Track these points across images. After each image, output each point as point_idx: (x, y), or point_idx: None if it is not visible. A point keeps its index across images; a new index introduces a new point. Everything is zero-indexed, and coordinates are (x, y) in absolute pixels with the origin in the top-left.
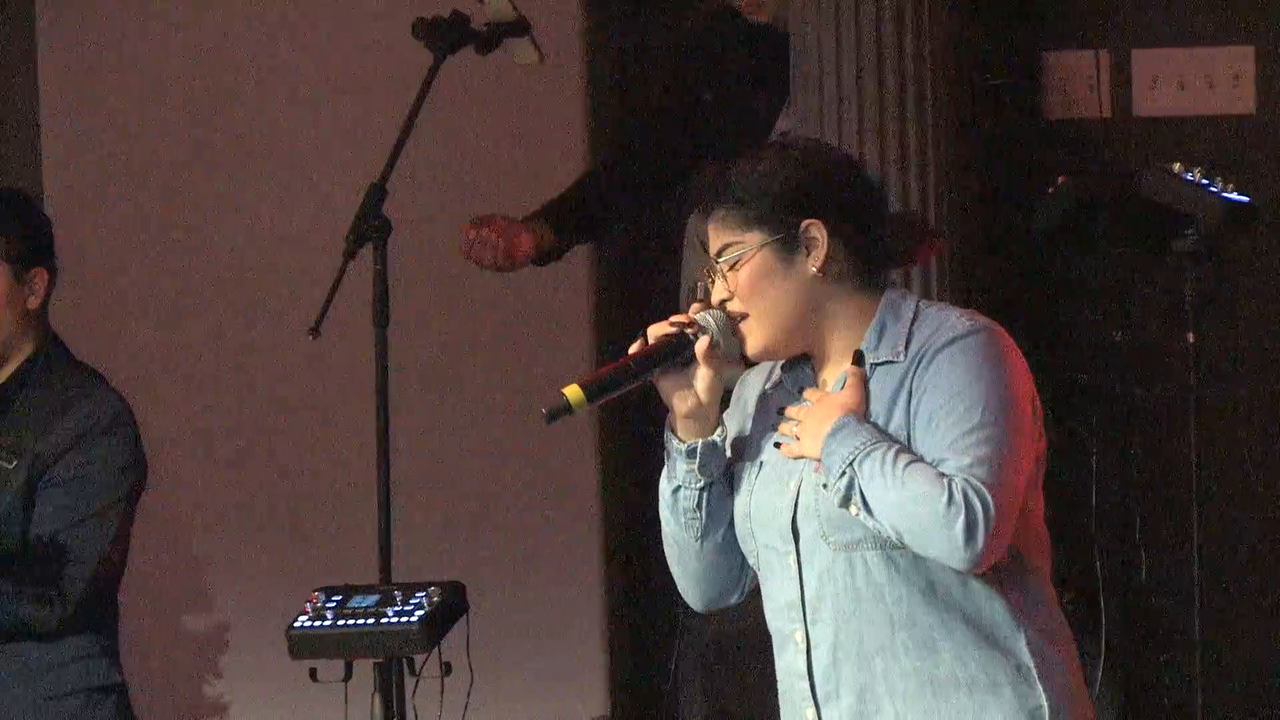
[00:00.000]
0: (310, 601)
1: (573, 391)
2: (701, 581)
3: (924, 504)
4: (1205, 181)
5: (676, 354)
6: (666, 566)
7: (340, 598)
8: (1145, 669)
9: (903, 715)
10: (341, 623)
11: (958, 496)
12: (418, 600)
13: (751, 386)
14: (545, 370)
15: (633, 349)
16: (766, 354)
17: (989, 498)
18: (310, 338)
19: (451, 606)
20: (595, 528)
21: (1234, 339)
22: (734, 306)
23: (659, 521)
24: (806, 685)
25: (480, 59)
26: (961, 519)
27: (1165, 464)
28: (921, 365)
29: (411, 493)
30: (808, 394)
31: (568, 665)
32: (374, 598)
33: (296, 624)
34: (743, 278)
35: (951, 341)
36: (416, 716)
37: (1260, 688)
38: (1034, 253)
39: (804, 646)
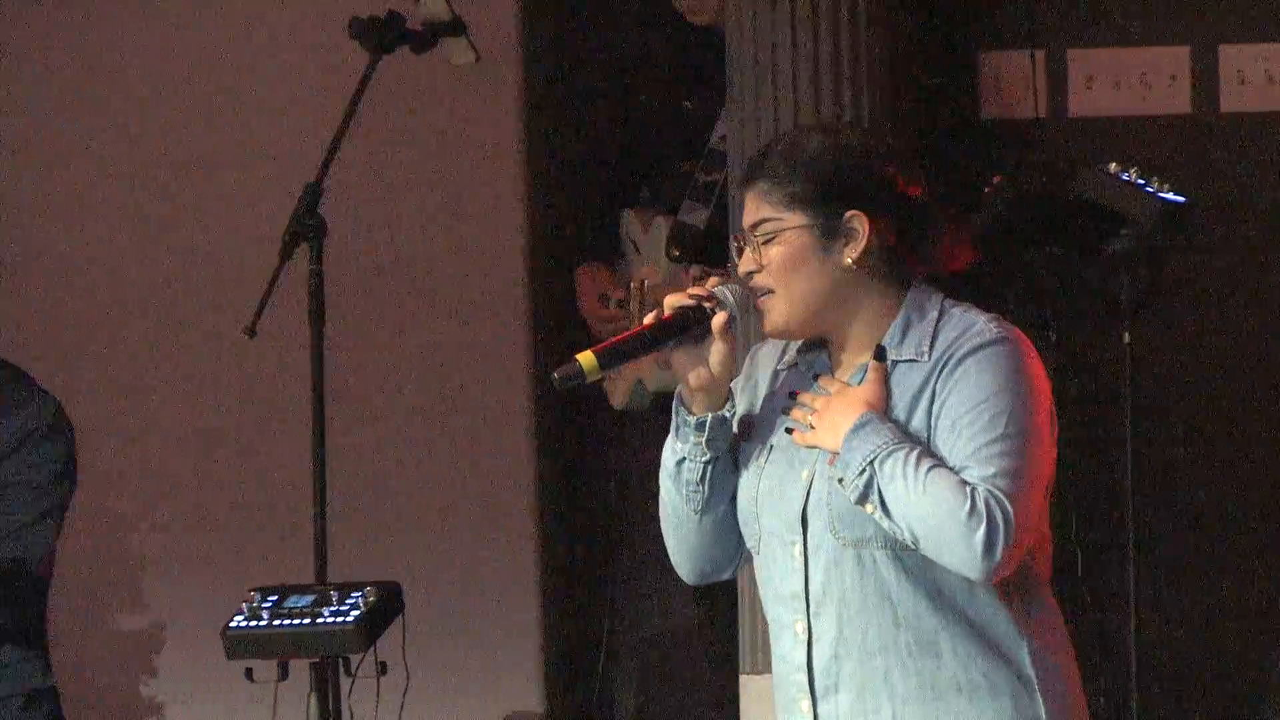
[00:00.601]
0: (246, 601)
1: (586, 358)
2: (696, 555)
3: (945, 510)
4: (1141, 181)
5: (692, 327)
6: (601, 565)
7: (276, 598)
8: (1080, 668)
9: (900, 716)
10: (277, 623)
11: (980, 506)
12: (353, 600)
13: (764, 362)
14: (481, 370)
15: (648, 319)
16: (784, 333)
17: (1010, 510)
18: (246, 337)
19: (387, 606)
20: (531, 528)
21: (1169, 339)
22: (761, 279)
23: (593, 521)
24: (804, 677)
25: (416, 59)
26: (982, 529)
27: (1101, 463)
28: (947, 369)
29: (347, 493)
30: (824, 382)
31: (503, 664)
32: (310, 598)
33: (232, 624)
34: (776, 255)
35: (979, 348)
36: (352, 716)
37: (1195, 686)
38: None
39: (805, 638)
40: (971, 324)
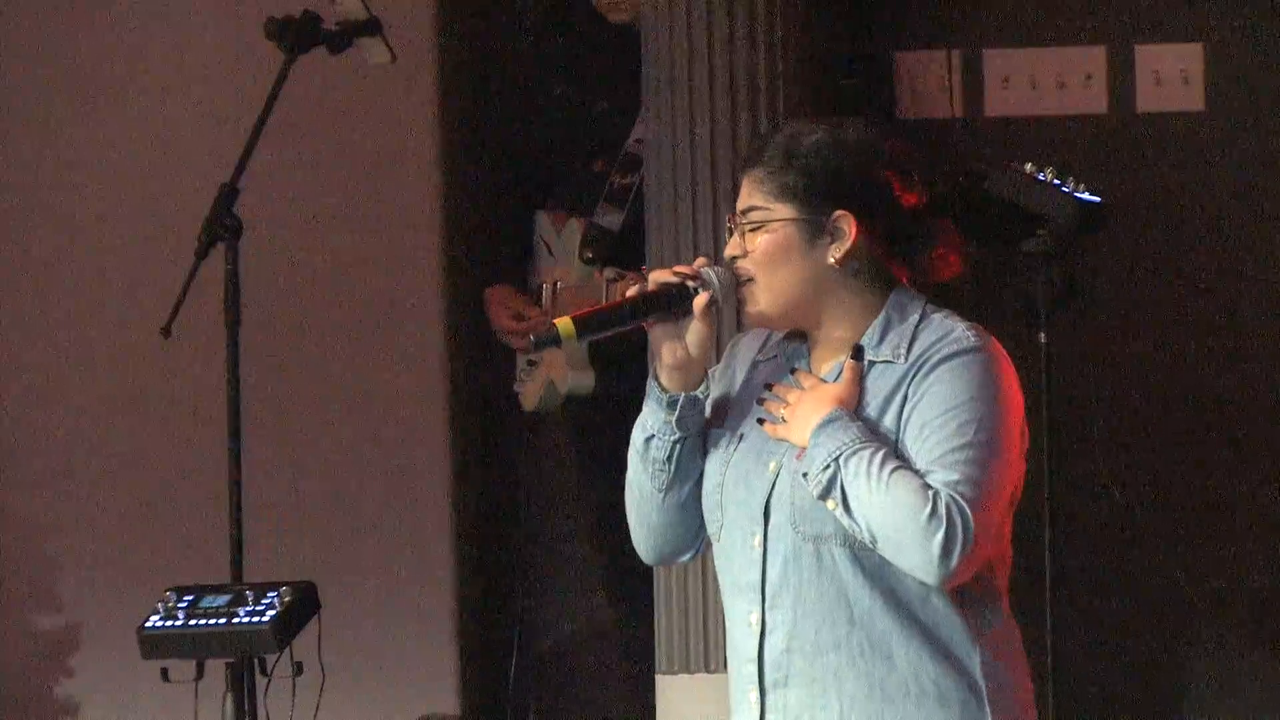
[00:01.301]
0: (162, 601)
1: (564, 323)
2: (657, 534)
3: (905, 512)
4: (1057, 181)
5: (674, 304)
6: (516, 566)
7: (192, 597)
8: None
9: (847, 714)
10: (193, 623)
11: (940, 510)
12: (269, 600)
13: (744, 352)
14: (397, 371)
15: (631, 291)
16: (763, 321)
17: (970, 516)
18: (162, 337)
19: (303, 606)
20: (446, 528)
21: (1085, 339)
22: (744, 266)
23: (508, 522)
24: (754, 669)
25: (332, 59)
26: (941, 533)
27: None
28: (921, 372)
29: (263, 492)
30: (800, 376)
31: (419, 664)
32: (225, 597)
33: (148, 624)
34: (760, 244)
35: (956, 354)
36: (268, 716)
37: (1112, 690)
38: None
39: (758, 630)
40: (950, 330)
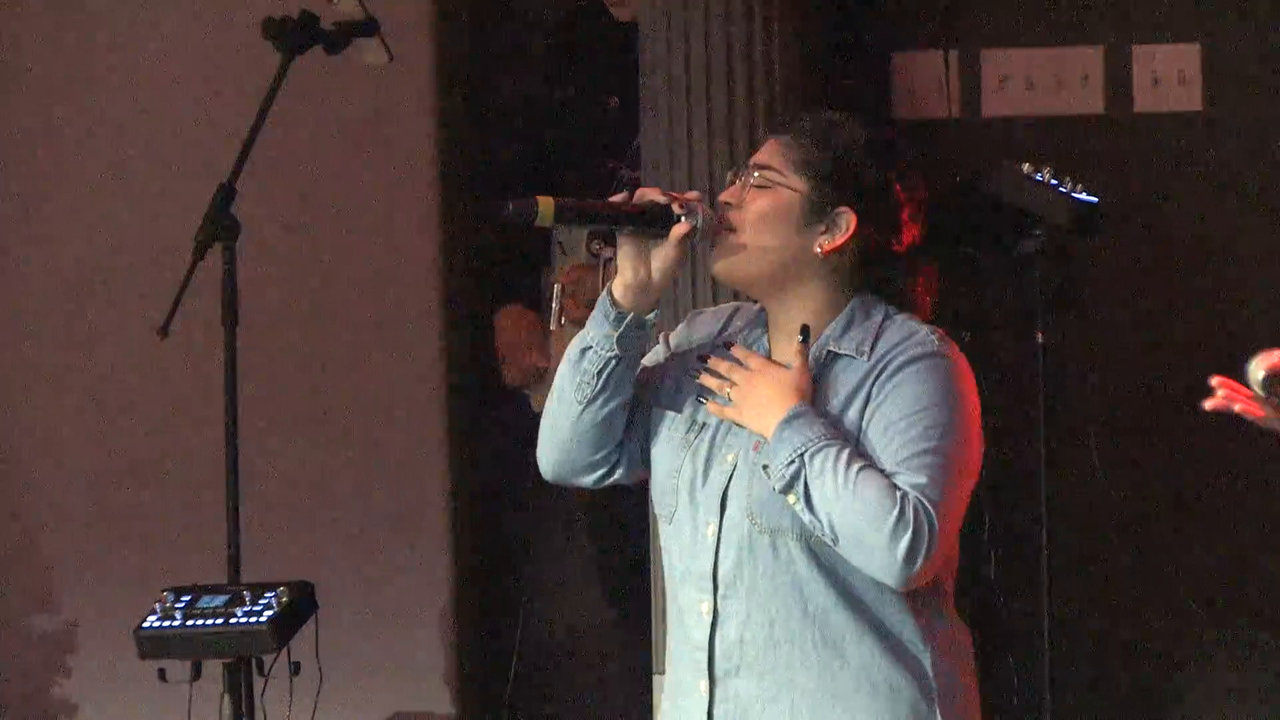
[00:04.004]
0: (159, 601)
1: (545, 201)
2: (562, 448)
3: (873, 512)
4: (1054, 182)
5: (653, 223)
6: (513, 567)
7: (189, 598)
8: (994, 669)
9: (798, 708)
10: (190, 623)
11: (908, 513)
12: (267, 600)
13: (701, 330)
14: (395, 371)
15: (616, 198)
16: (727, 275)
17: (935, 520)
18: (159, 337)
19: (301, 606)
20: (444, 529)
21: (1082, 338)
22: (735, 215)
23: (506, 522)
24: (704, 657)
25: (329, 59)
26: (908, 536)
27: (1014, 464)
28: (886, 372)
29: (261, 493)
30: (738, 351)
31: (416, 665)
32: (223, 598)
33: (145, 624)
34: (758, 204)
35: (920, 358)
36: (265, 716)
37: (1108, 687)
38: None
39: (709, 619)
40: (914, 332)
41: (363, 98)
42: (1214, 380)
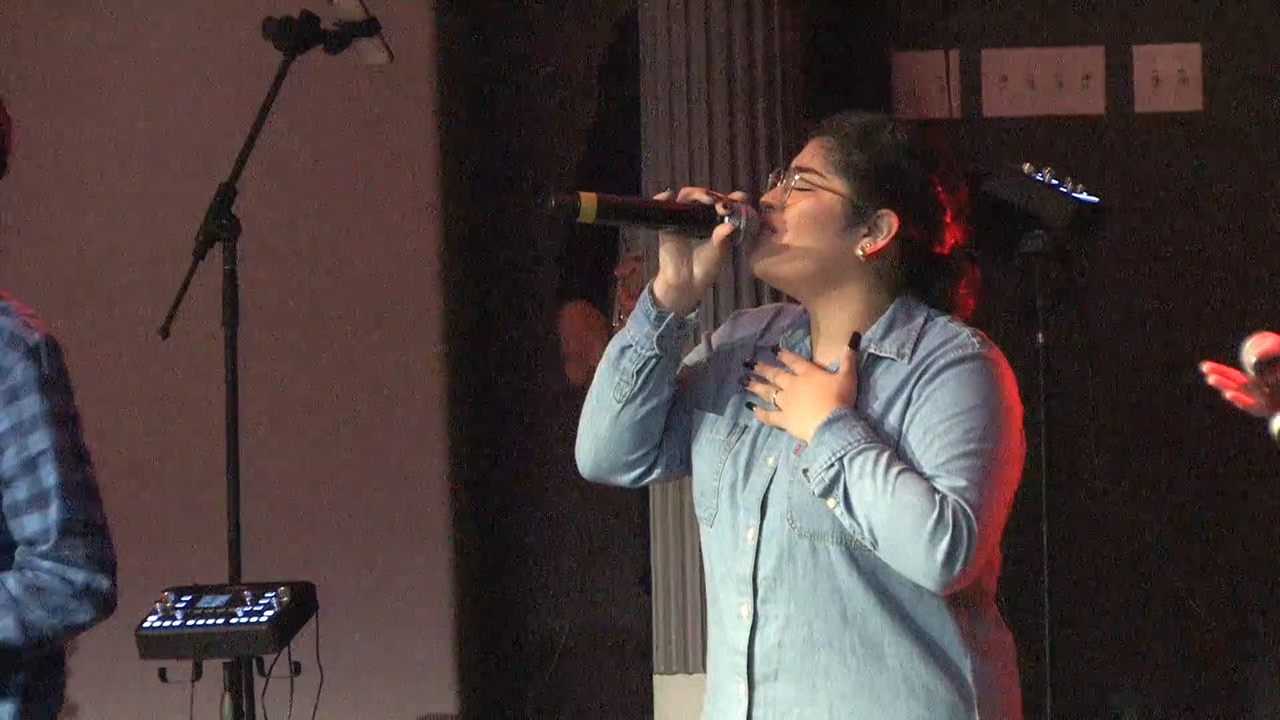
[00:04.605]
0: (160, 601)
1: (589, 197)
2: (599, 445)
3: (912, 516)
4: (1055, 182)
5: (696, 224)
6: (515, 567)
7: (190, 598)
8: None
9: (836, 711)
10: (191, 623)
11: (948, 516)
12: (267, 600)
13: (744, 331)
14: (395, 370)
15: (660, 196)
16: (768, 275)
17: (975, 524)
18: (160, 337)
19: (301, 606)
20: (445, 528)
21: (1083, 339)
22: (775, 219)
23: (508, 522)
24: (743, 661)
25: (330, 59)
26: (947, 539)
27: None
28: (927, 375)
29: (261, 493)
30: (785, 356)
31: (417, 664)
32: (224, 598)
33: (146, 624)
34: (799, 206)
35: (962, 360)
36: (266, 717)
37: (1110, 690)
38: None
39: (749, 622)
40: (956, 334)
41: (363, 98)
42: (1205, 365)
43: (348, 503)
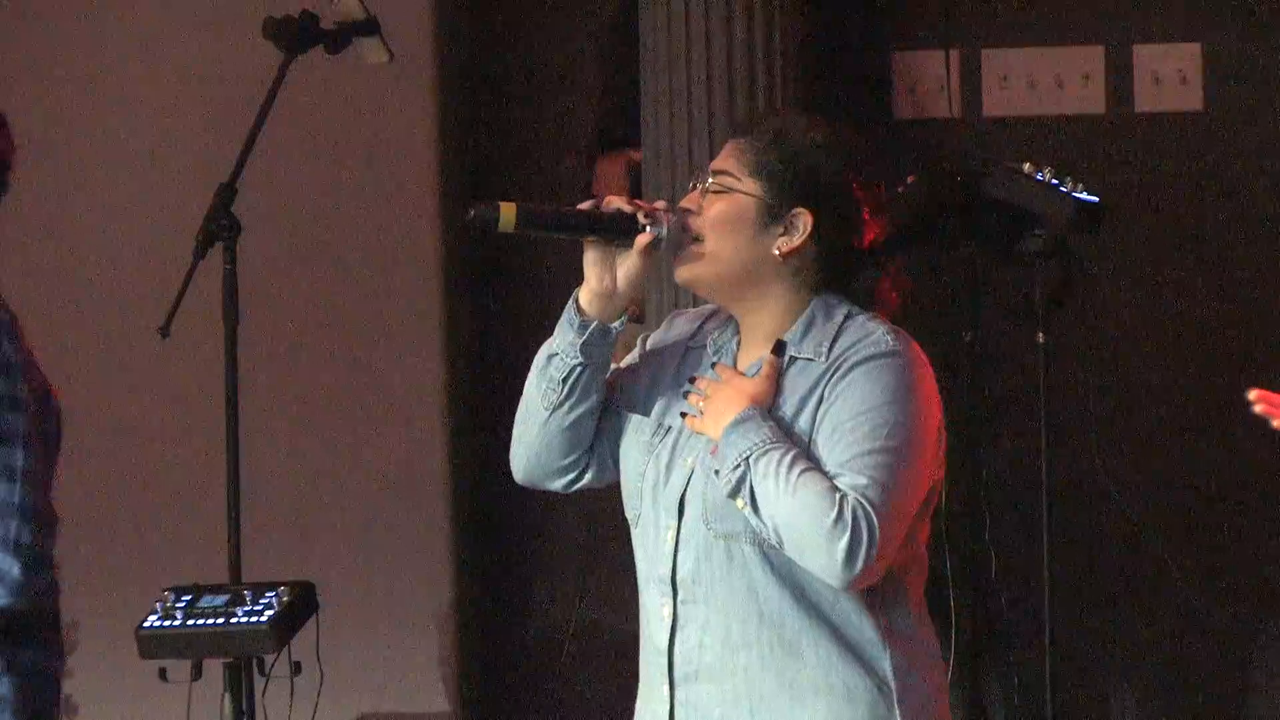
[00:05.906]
0: (160, 601)
1: (508, 207)
2: (531, 452)
3: (811, 515)
4: (1055, 181)
5: (618, 232)
6: (515, 565)
7: (190, 597)
8: (996, 668)
9: (756, 711)
10: (191, 622)
11: (846, 515)
12: (267, 600)
13: (677, 332)
14: (396, 370)
15: (583, 206)
16: (691, 282)
17: (876, 522)
18: (160, 337)
19: (301, 606)
20: (444, 527)
21: (1083, 338)
22: (694, 223)
23: (508, 522)
24: (665, 661)
25: (330, 58)
26: (845, 538)
27: (1016, 463)
28: (838, 374)
29: (261, 492)
30: (718, 368)
31: (417, 664)
32: (224, 597)
33: (146, 624)
34: (716, 209)
35: (871, 357)
36: (266, 716)
37: (1110, 687)
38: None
39: (669, 623)
40: (870, 333)
41: (363, 98)
42: (1252, 394)
43: (348, 503)
